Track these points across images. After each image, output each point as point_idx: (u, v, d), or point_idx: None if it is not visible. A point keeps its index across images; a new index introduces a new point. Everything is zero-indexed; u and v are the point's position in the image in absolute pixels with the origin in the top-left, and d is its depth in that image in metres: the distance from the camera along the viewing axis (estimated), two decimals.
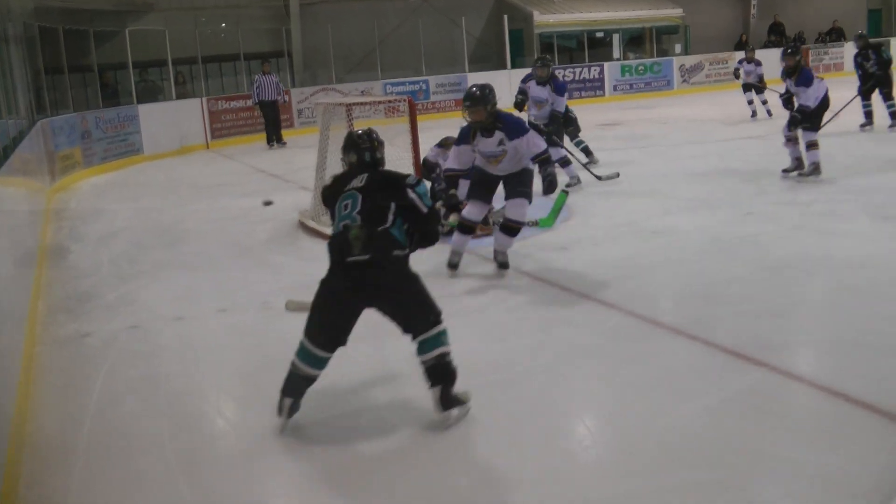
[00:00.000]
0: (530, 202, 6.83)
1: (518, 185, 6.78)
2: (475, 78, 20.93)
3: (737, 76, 17.05)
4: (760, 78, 16.58)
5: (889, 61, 13.99)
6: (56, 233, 10.28)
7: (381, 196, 4.39)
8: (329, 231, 7.16)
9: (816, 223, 7.88)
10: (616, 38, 26.18)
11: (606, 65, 24.27)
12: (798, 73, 9.97)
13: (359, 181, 4.48)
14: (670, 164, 11.84)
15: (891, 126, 13.61)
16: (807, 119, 9.77)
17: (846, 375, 4.45)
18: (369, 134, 4.78)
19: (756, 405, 4.19)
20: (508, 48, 23.47)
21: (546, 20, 25.17)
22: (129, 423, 4.64)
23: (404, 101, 8.69)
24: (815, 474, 3.51)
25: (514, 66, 23.32)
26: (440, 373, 4.20)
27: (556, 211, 7.79)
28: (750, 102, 16.74)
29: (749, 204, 8.69)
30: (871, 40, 14.68)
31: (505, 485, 3.68)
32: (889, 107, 13.76)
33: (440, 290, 6.51)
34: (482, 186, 6.90)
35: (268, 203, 7.75)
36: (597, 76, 23.91)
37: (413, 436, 4.20)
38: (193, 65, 20.57)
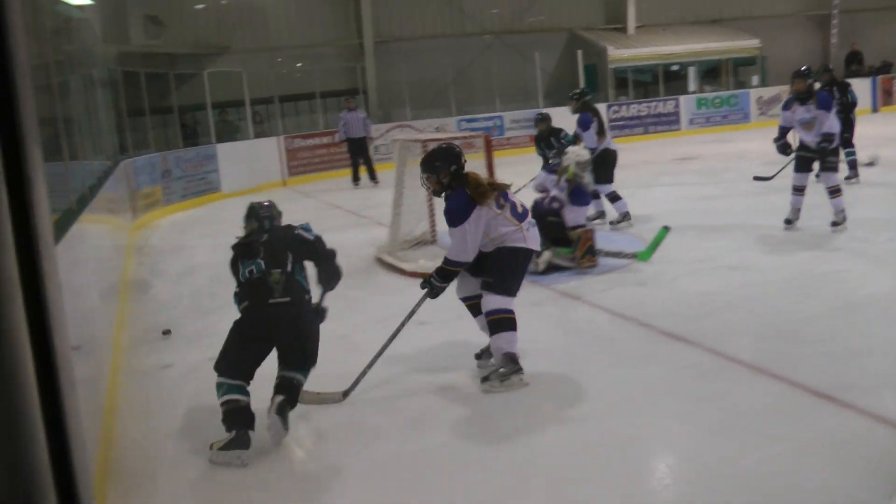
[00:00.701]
0: (509, 294, 5.47)
1: (488, 273, 5.48)
2: (551, 113, 20.93)
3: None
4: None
5: (853, 104, 12.54)
6: (138, 268, 10.50)
7: (279, 246, 5.01)
8: (407, 266, 7.33)
9: None
10: (692, 70, 26.00)
11: (682, 98, 24.10)
12: (814, 97, 8.81)
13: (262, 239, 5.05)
14: (749, 198, 11.65)
15: (847, 178, 11.92)
16: (829, 151, 8.74)
17: None
18: (270, 205, 5.31)
19: (842, 449, 4.06)
20: (583, 83, 23.48)
21: (620, 55, 25.11)
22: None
23: (480, 137, 8.73)
24: None
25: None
26: (291, 389, 4.75)
27: (655, 245, 7.87)
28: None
29: (831, 240, 8.50)
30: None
31: None
32: (848, 154, 12.05)
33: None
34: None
35: (166, 332, 7.38)
36: (672, 110, 23.76)
37: (491, 473, 4.17)
38: (270, 104, 20.99)
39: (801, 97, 8.88)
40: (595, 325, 6.52)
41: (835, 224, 8.76)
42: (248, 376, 4.75)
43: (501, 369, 5.21)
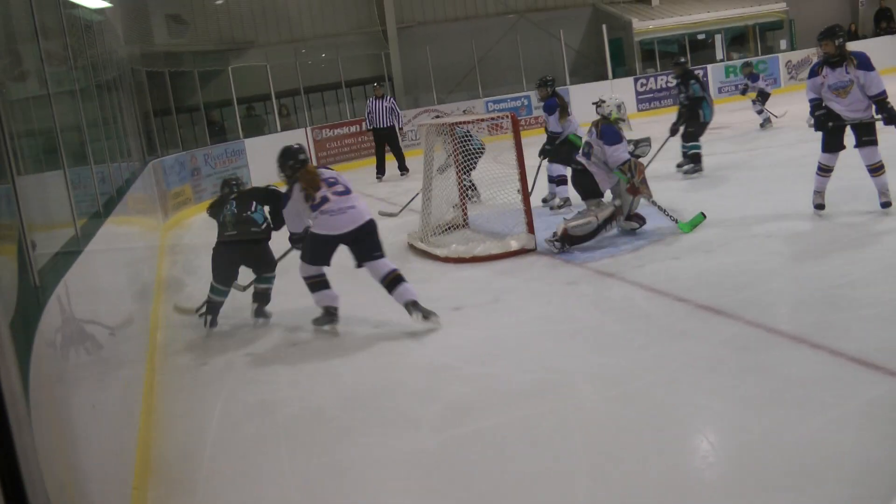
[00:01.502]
0: (308, 262, 6.67)
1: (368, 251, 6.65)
2: (577, 91, 20.82)
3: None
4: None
5: (700, 98, 12.05)
6: (171, 267, 10.54)
7: (246, 198, 7.36)
8: (439, 251, 7.50)
9: None
10: (718, 38, 25.63)
11: (710, 67, 23.77)
12: (850, 58, 7.68)
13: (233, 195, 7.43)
14: (783, 164, 11.47)
15: (681, 166, 11.83)
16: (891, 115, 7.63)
17: None
18: (237, 181, 7.91)
19: (889, 418, 3.95)
20: (609, 58, 23.26)
21: (645, 27, 24.84)
22: (249, 449, 4.70)
23: (507, 117, 8.65)
24: None
25: (615, 75, 23.12)
26: (264, 296, 7.28)
27: (694, 224, 8.12)
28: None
29: (869, 201, 8.28)
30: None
31: (626, 502, 3.56)
32: (691, 148, 11.78)
33: (547, 309, 6.49)
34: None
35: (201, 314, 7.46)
36: (701, 79, 23.47)
37: (533, 455, 4.12)
38: (296, 96, 21.00)
39: (832, 60, 7.79)
40: (631, 302, 6.43)
41: (885, 205, 7.70)
42: (228, 283, 7.17)
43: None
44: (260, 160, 17.45)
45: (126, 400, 4.82)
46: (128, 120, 11.85)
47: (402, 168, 16.85)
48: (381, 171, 16.87)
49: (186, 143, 17.21)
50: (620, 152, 8.16)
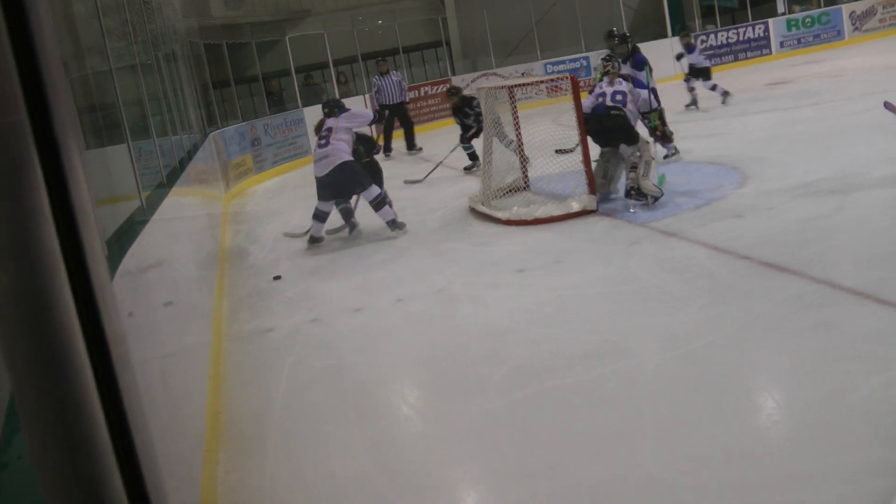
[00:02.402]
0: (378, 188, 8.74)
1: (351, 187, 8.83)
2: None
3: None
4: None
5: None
6: (234, 236, 10.68)
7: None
8: (501, 214, 7.59)
9: None
10: None
11: (771, 21, 23.32)
12: None
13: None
14: (846, 119, 11.24)
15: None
16: None
17: None
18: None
19: None
20: (668, 16, 22.92)
21: None
22: (316, 413, 4.78)
23: (566, 78, 8.60)
24: None
25: (674, 33, 22.78)
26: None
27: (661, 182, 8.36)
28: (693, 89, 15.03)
29: None
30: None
31: (693, 463, 3.56)
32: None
33: (609, 269, 6.48)
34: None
35: (277, 277, 7.68)
36: (762, 34, 23.04)
37: (597, 418, 4.14)
38: (354, 63, 21.01)
39: None
40: (694, 261, 6.39)
41: None
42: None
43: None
44: None
45: (194, 366, 4.93)
46: (188, 93, 11.99)
47: (411, 146, 16.37)
48: (388, 149, 16.14)
49: (246, 114, 17.34)
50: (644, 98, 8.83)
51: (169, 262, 5.29)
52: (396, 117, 16.30)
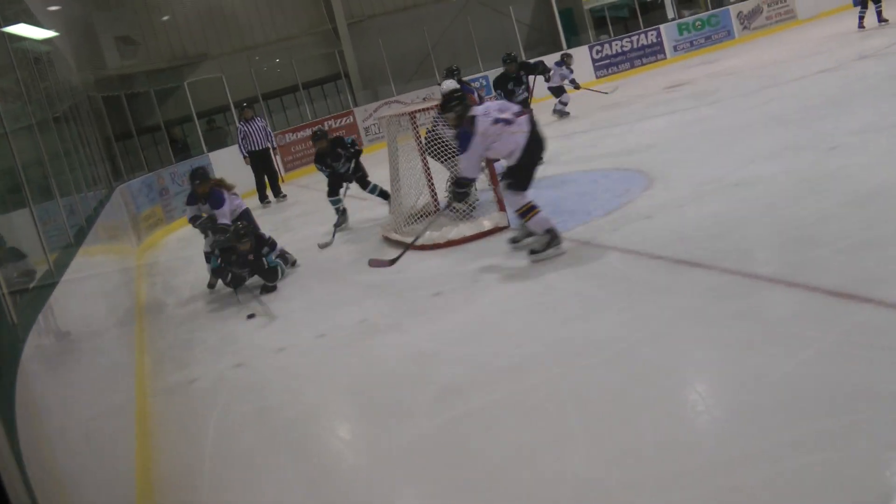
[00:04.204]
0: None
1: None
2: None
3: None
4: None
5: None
6: (150, 288, 10.52)
7: None
8: (409, 240, 7.55)
9: None
10: None
11: (662, 27, 23.87)
12: None
13: None
14: (745, 113, 11.53)
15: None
16: None
17: None
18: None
19: (870, 343, 3.99)
20: (561, 29, 23.30)
21: None
22: (248, 457, 4.72)
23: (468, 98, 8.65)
24: None
25: (569, 45, 23.16)
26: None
27: None
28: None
29: (833, 138, 8.35)
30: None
31: (625, 460, 3.60)
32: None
33: (526, 283, 6.53)
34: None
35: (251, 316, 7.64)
36: (655, 40, 23.55)
37: (529, 428, 4.16)
38: (255, 103, 20.93)
39: None
40: (609, 265, 6.47)
41: None
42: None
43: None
44: (226, 171, 17.30)
45: (119, 426, 4.83)
46: (90, 148, 11.80)
47: (277, 193, 16.16)
48: (263, 196, 16.10)
49: (151, 164, 17.15)
50: None
51: (83, 322, 5.18)
52: (262, 164, 15.90)
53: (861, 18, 17.65)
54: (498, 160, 9.43)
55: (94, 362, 4.94)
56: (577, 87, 16.94)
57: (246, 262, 8.24)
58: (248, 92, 20.28)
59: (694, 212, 7.17)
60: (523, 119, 6.99)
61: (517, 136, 6.94)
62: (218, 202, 8.69)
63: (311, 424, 5.01)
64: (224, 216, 8.76)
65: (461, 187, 7.18)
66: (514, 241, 7.47)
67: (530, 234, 7.29)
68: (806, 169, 7.53)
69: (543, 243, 6.95)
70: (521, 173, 7.01)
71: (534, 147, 7.01)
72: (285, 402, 5.44)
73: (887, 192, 6.25)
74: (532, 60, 12.27)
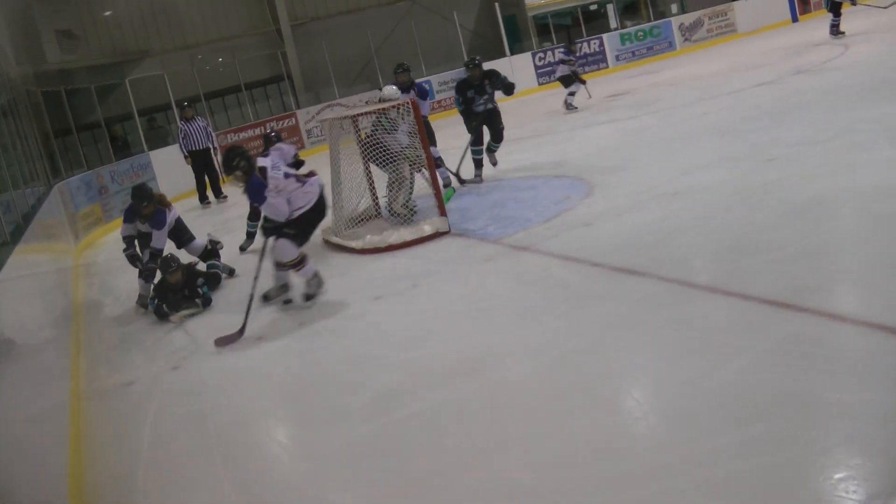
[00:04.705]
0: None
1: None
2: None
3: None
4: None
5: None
6: (88, 289, 10.36)
7: None
8: (355, 244, 7.54)
9: (838, 158, 7.65)
10: (610, 8, 26.03)
11: (605, 36, 24.15)
12: None
13: None
14: (684, 124, 11.72)
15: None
16: None
17: (892, 307, 4.33)
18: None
19: (803, 352, 4.07)
20: (505, 36, 23.41)
21: (537, 1, 25.08)
22: (183, 462, 4.67)
23: (407, 104, 8.68)
24: (872, 413, 3.40)
25: (512, 52, 23.27)
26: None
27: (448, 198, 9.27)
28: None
29: (768, 150, 8.52)
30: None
31: (562, 465, 3.63)
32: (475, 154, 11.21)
33: (466, 288, 6.56)
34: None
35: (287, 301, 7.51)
36: (597, 49, 23.79)
37: (465, 434, 4.18)
38: (197, 102, 20.74)
39: None
40: (548, 272, 6.53)
41: None
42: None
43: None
44: (166, 171, 17.19)
45: (53, 430, 4.76)
46: (28, 143, 11.60)
47: (218, 193, 16.01)
48: (204, 197, 15.98)
49: (91, 162, 16.90)
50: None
51: (18, 322, 5.10)
52: (203, 164, 15.70)
53: (834, 26, 17.93)
54: (440, 167, 9.51)
55: (28, 364, 4.87)
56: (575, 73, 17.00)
57: (182, 298, 7.80)
58: (191, 91, 20.11)
59: (632, 220, 7.26)
60: (314, 180, 7.17)
61: (309, 195, 7.10)
62: (160, 223, 8.31)
63: (245, 428, 4.96)
64: (161, 238, 8.36)
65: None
66: (266, 297, 7.40)
67: (283, 286, 7.38)
68: (742, 179, 7.67)
69: (316, 285, 7.16)
70: (306, 228, 7.14)
71: (320, 208, 7.23)
72: (220, 405, 5.40)
73: (822, 204, 6.41)
74: (503, 75, 11.15)
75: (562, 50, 17.38)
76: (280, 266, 7.18)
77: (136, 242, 8.65)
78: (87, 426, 5.55)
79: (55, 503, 3.98)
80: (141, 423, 5.33)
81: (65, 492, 4.23)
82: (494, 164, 11.22)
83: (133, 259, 8.57)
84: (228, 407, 5.32)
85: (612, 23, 25.85)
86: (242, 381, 5.76)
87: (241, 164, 6.85)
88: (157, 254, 8.19)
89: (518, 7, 25.01)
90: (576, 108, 16.57)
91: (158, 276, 8.09)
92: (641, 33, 24.26)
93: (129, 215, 8.56)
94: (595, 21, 25.66)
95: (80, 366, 6.96)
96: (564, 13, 25.65)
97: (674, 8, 26.48)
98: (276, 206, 6.95)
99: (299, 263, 7.04)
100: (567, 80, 16.71)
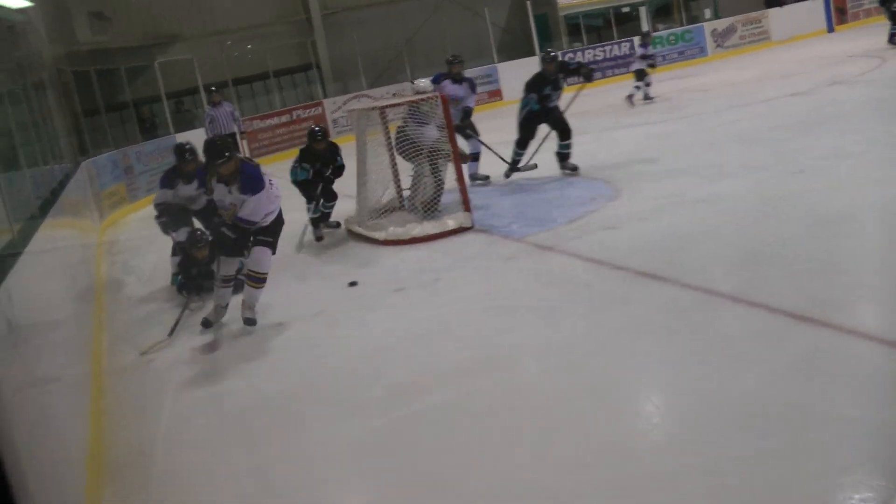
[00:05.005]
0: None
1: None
2: (504, 68, 20.99)
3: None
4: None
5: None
6: (110, 267, 10.43)
7: None
8: (378, 235, 7.48)
9: (867, 173, 7.61)
10: (643, 10, 25.89)
11: (636, 39, 24.00)
12: None
13: None
14: (713, 131, 11.68)
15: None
16: None
17: None
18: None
19: (822, 366, 4.08)
20: (535, 34, 23.35)
21: (570, 1, 24.99)
22: (201, 441, 4.73)
23: (436, 97, 8.68)
24: (891, 433, 3.40)
25: (542, 51, 23.21)
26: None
27: None
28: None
29: (798, 161, 8.47)
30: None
31: (574, 467, 3.65)
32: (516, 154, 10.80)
33: (487, 285, 6.57)
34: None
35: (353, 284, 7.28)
36: (627, 52, 23.67)
37: (476, 432, 4.20)
38: (225, 88, 20.78)
39: None
40: (570, 273, 6.54)
41: None
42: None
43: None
44: None
45: (73, 403, 4.81)
46: (58, 121, 11.69)
47: None
48: None
49: (118, 142, 16.95)
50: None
51: (44, 295, 5.15)
52: None
53: (894, 35, 17.74)
54: (467, 161, 9.49)
55: (52, 336, 4.91)
56: (652, 66, 17.20)
57: (208, 273, 7.51)
58: (219, 76, 20.16)
59: (657, 225, 7.26)
60: (276, 183, 6.62)
61: (278, 200, 6.62)
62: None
63: (262, 413, 5.00)
64: (197, 201, 8.11)
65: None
66: (206, 325, 6.76)
67: (221, 308, 6.79)
68: (768, 190, 7.64)
69: (222, 315, 6.78)
70: (276, 237, 6.66)
71: (281, 215, 6.68)
72: (238, 388, 5.44)
73: (847, 218, 6.38)
74: (572, 61, 10.62)
75: (640, 44, 17.71)
76: (250, 276, 6.57)
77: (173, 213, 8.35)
78: (107, 401, 5.61)
79: (74, 475, 4.02)
80: (160, 401, 5.40)
81: (83, 464, 4.29)
82: (575, 168, 10.37)
83: (166, 227, 8.40)
84: (246, 391, 5.37)
85: (644, 26, 25.71)
86: (261, 367, 5.80)
87: (229, 158, 6.28)
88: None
89: (550, 6, 24.92)
90: (652, 98, 16.81)
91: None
92: (673, 37, 24.15)
93: (166, 180, 8.41)
94: (627, 23, 25.55)
95: (102, 342, 7.02)
96: (596, 14, 25.53)
97: (707, 13, 26.31)
98: (264, 202, 6.42)
99: (264, 281, 6.59)
100: (641, 74, 16.90)
